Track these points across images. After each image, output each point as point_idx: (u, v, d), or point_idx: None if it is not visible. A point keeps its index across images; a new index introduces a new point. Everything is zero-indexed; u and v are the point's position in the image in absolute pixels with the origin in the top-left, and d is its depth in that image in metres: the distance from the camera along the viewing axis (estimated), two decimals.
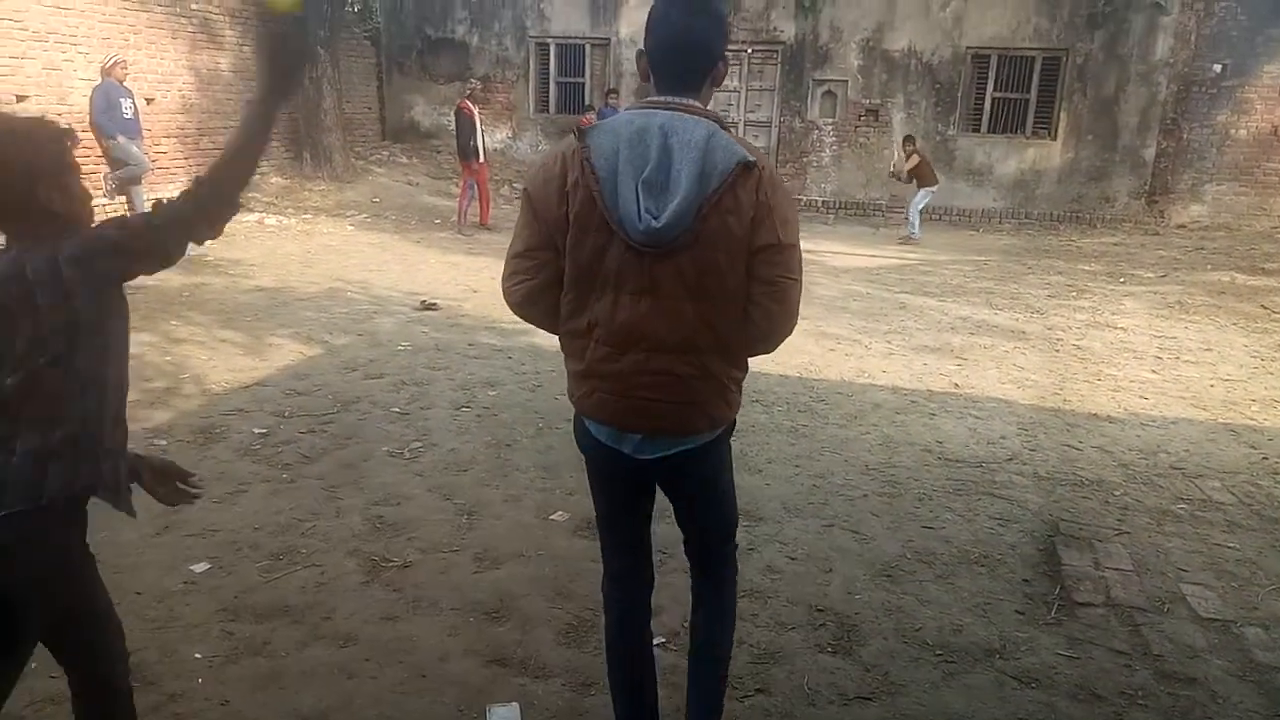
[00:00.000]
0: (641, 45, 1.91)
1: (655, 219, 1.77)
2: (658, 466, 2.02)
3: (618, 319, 1.86)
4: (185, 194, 1.70)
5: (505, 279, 1.98)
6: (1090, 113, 13.69)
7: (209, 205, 1.72)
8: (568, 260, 1.88)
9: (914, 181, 12.43)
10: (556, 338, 2.05)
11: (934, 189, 12.38)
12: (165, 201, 1.70)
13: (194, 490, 2.05)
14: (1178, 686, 2.72)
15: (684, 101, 1.87)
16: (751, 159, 1.79)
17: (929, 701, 2.61)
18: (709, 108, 1.92)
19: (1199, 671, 2.79)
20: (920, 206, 12.43)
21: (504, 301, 2.02)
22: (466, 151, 11.18)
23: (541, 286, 1.94)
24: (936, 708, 2.58)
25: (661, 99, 1.87)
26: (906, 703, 2.60)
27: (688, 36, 1.85)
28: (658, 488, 2.16)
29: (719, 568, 2.25)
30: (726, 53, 1.93)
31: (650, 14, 1.89)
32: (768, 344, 1.96)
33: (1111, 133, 13.67)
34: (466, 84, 12.52)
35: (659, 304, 1.84)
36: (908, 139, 12.73)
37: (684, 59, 1.87)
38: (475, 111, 11.22)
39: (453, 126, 12.10)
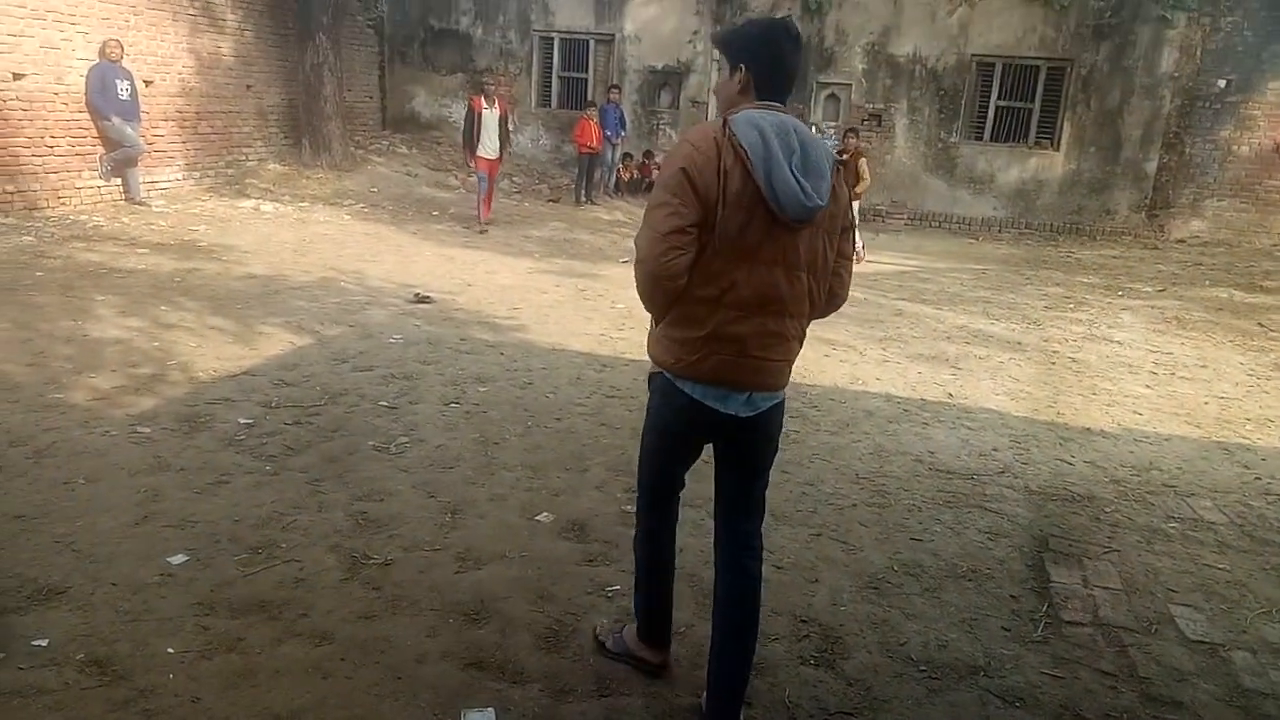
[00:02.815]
0: (744, 59, 2.22)
1: (816, 198, 2.11)
2: (748, 423, 2.29)
3: (752, 285, 2.15)
4: None
5: (660, 255, 2.10)
6: (1093, 124, 13.68)
7: None
8: (717, 233, 2.11)
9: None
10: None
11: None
12: None
13: None
14: (1164, 710, 2.68)
15: (785, 107, 2.25)
16: (838, 154, 2.36)
17: (912, 718, 2.57)
18: None
19: (1185, 695, 2.76)
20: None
21: (651, 274, 2.14)
22: (468, 143, 10.98)
23: (690, 260, 2.13)
24: None
25: (771, 104, 2.22)
26: (888, 719, 2.56)
27: (794, 63, 2.26)
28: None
29: (759, 536, 2.46)
30: None
31: (754, 36, 2.24)
32: (836, 307, 2.41)
33: (1114, 145, 13.65)
34: (482, 78, 12.35)
35: (788, 273, 2.18)
36: (849, 132, 10.80)
37: (789, 79, 2.26)
38: (483, 105, 10.80)
39: (453, 119, 12.03)
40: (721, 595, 2.41)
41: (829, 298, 2.32)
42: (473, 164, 11.14)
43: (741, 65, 2.22)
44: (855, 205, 9.81)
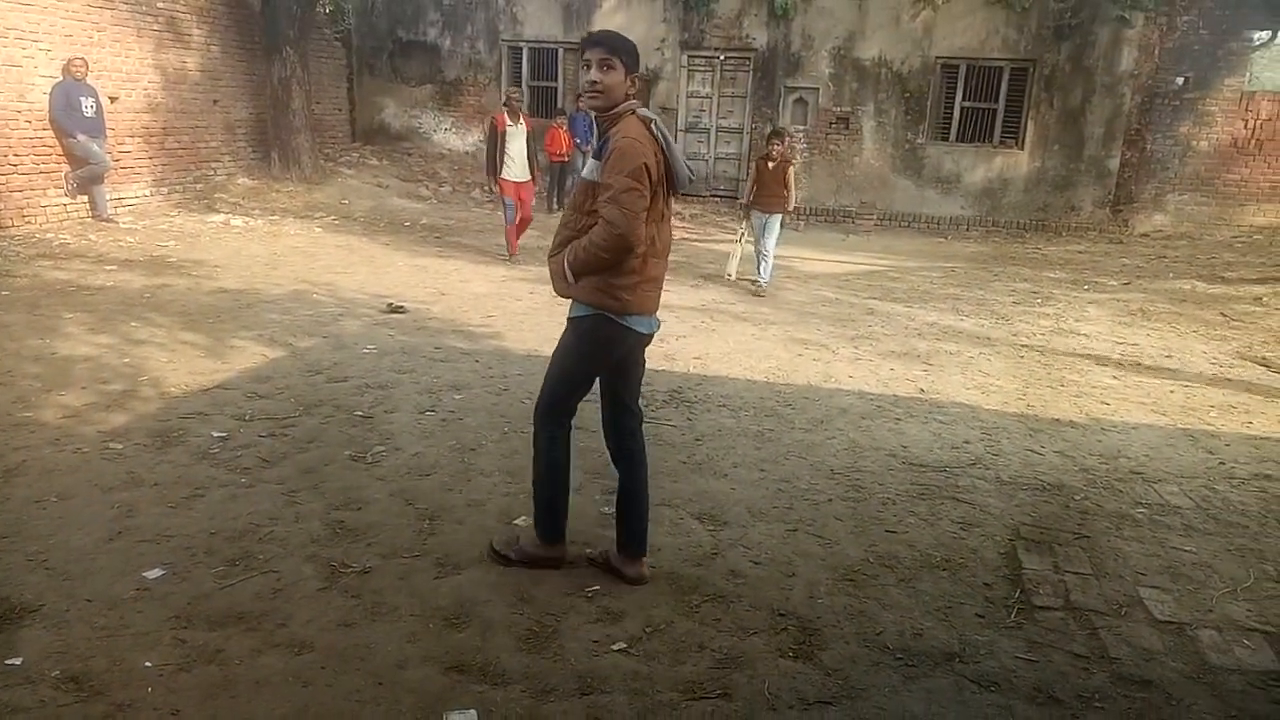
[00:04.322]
0: (636, 69, 2.99)
1: (691, 173, 3.04)
2: (649, 338, 3.11)
3: (662, 238, 3.00)
4: None
5: (637, 228, 2.80)
6: (1057, 123, 13.89)
7: None
8: (651, 204, 2.86)
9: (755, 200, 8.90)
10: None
11: (765, 216, 8.81)
12: None
13: None
14: (1134, 689, 2.74)
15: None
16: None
17: (889, 706, 2.61)
18: None
19: (1155, 674, 2.82)
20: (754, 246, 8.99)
21: (628, 243, 2.80)
22: (490, 167, 9.70)
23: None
24: (896, 712, 2.58)
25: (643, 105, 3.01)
26: (866, 707, 2.60)
27: None
28: None
29: (640, 429, 3.26)
30: None
31: (637, 52, 3.01)
32: None
33: (1077, 143, 13.87)
34: (509, 92, 10.41)
35: (670, 226, 3.07)
36: (774, 135, 8.95)
37: None
38: (508, 122, 9.45)
39: (423, 129, 11.87)
40: (624, 470, 3.22)
41: None
42: (496, 189, 9.74)
43: (636, 74, 2.98)
44: (779, 220, 8.89)
